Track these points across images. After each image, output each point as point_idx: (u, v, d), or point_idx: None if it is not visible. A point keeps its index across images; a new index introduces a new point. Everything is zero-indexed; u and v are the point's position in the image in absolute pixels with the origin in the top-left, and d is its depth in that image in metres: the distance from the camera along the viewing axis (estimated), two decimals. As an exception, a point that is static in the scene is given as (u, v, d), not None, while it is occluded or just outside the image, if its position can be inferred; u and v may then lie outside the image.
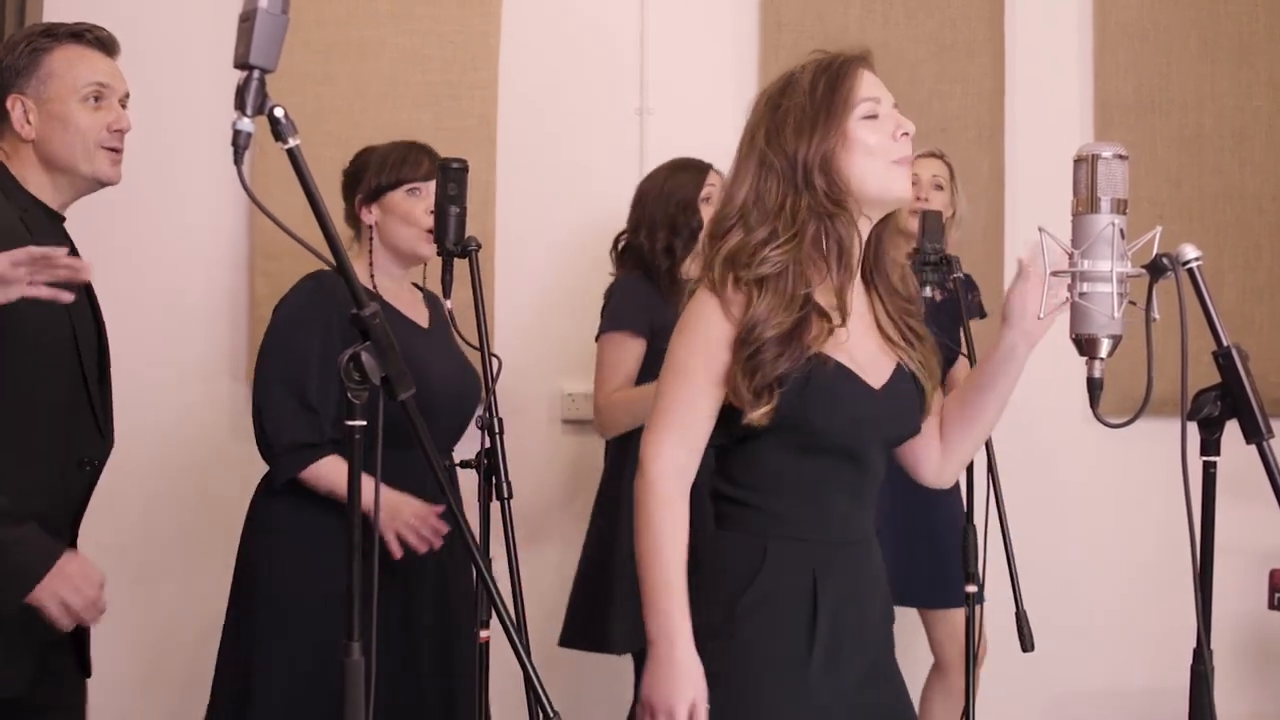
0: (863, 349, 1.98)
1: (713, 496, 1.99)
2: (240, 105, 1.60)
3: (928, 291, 2.90)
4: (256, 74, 1.60)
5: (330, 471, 2.65)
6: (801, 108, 1.95)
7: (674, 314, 3.15)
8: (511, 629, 1.68)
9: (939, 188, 3.60)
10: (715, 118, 3.96)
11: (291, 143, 1.61)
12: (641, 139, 3.95)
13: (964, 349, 2.92)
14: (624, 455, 3.25)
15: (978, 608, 2.79)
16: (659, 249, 3.28)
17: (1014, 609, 2.71)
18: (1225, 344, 1.86)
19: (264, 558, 2.75)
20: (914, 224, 3.08)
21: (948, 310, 3.23)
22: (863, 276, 2.05)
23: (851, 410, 1.92)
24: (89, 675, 2.40)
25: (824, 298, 1.95)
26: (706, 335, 1.92)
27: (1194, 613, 1.86)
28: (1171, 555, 1.86)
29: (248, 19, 1.61)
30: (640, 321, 3.23)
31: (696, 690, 1.82)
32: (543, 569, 3.55)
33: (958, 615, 2.80)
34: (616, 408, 3.24)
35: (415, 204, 2.84)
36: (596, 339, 3.33)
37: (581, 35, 3.95)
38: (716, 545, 1.97)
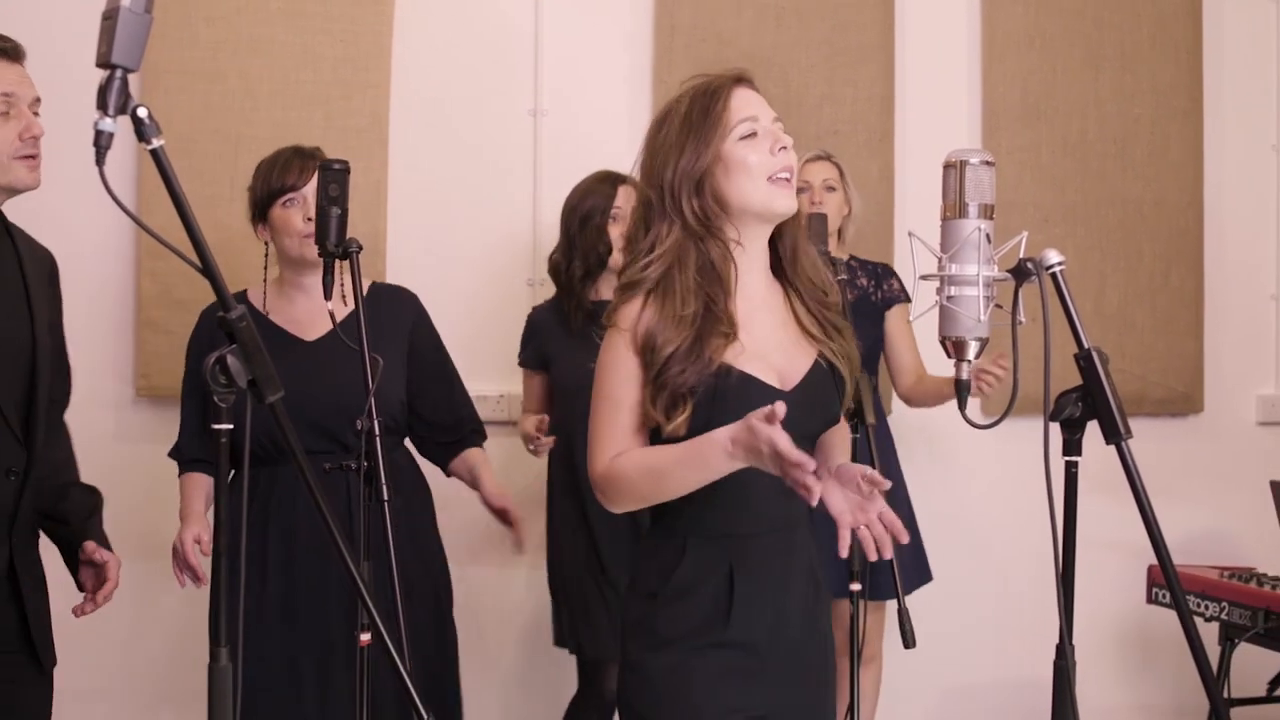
0: (778, 347, 2.04)
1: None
2: (102, 105, 1.58)
3: None
4: (119, 73, 1.58)
5: (183, 484, 2.89)
6: (673, 138, 2.02)
7: (574, 342, 3.24)
8: (385, 633, 1.67)
9: (831, 189, 3.66)
10: (609, 120, 3.99)
11: (155, 144, 1.59)
12: (535, 140, 3.95)
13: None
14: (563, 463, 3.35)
15: (862, 603, 2.83)
16: (576, 276, 3.30)
17: (896, 606, 2.77)
18: (1086, 346, 1.92)
19: None
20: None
21: (861, 308, 3.42)
22: (779, 275, 2.11)
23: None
24: (44, 671, 2.35)
25: (720, 312, 2.00)
26: (617, 369, 1.99)
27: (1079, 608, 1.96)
28: (1051, 552, 1.92)
29: (110, 17, 1.59)
30: (533, 358, 3.42)
31: (739, 426, 1.82)
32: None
33: (844, 607, 2.84)
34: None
35: (292, 214, 2.81)
36: None
37: (475, 36, 3.94)
38: (645, 544, 2.11)
